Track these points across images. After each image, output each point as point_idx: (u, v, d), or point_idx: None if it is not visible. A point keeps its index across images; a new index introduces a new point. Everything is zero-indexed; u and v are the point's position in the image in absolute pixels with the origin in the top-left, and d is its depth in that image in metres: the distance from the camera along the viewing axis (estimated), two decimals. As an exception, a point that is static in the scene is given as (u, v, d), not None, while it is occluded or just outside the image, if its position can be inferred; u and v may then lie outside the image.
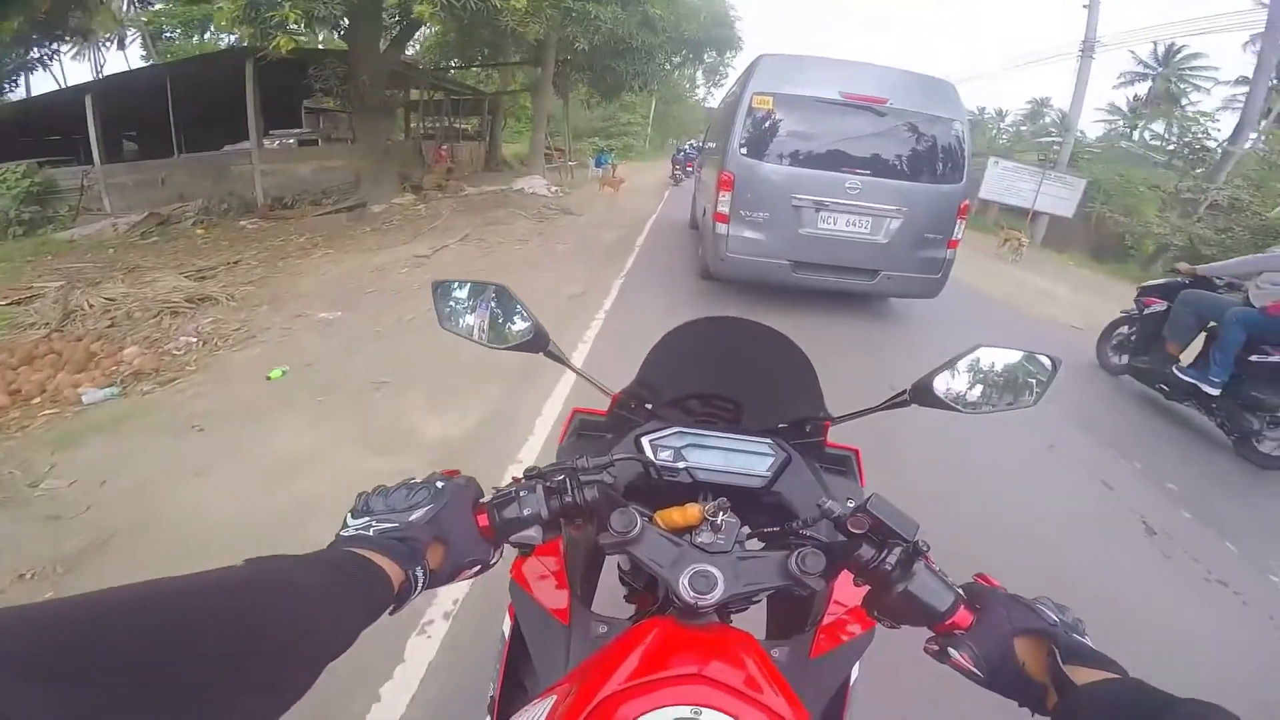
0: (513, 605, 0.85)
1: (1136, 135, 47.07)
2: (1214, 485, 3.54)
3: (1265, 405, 3.78)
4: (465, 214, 11.06)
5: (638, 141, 35.85)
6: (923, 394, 0.84)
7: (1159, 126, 45.10)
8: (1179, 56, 43.67)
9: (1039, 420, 3.71)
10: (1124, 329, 5.22)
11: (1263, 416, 3.82)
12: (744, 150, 5.17)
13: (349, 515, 0.59)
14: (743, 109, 5.15)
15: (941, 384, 0.84)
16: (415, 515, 0.59)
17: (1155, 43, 44.58)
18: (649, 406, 0.92)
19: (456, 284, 0.95)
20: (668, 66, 16.37)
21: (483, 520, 0.64)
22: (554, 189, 14.34)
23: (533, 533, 0.65)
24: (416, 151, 17.07)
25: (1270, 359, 3.80)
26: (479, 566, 0.64)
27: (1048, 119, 55.91)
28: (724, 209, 5.21)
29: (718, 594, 0.60)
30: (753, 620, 0.82)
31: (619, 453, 0.78)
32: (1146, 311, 4.76)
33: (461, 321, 0.94)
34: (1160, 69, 44.95)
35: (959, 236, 5.39)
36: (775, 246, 5.25)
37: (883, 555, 0.61)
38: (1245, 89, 35.70)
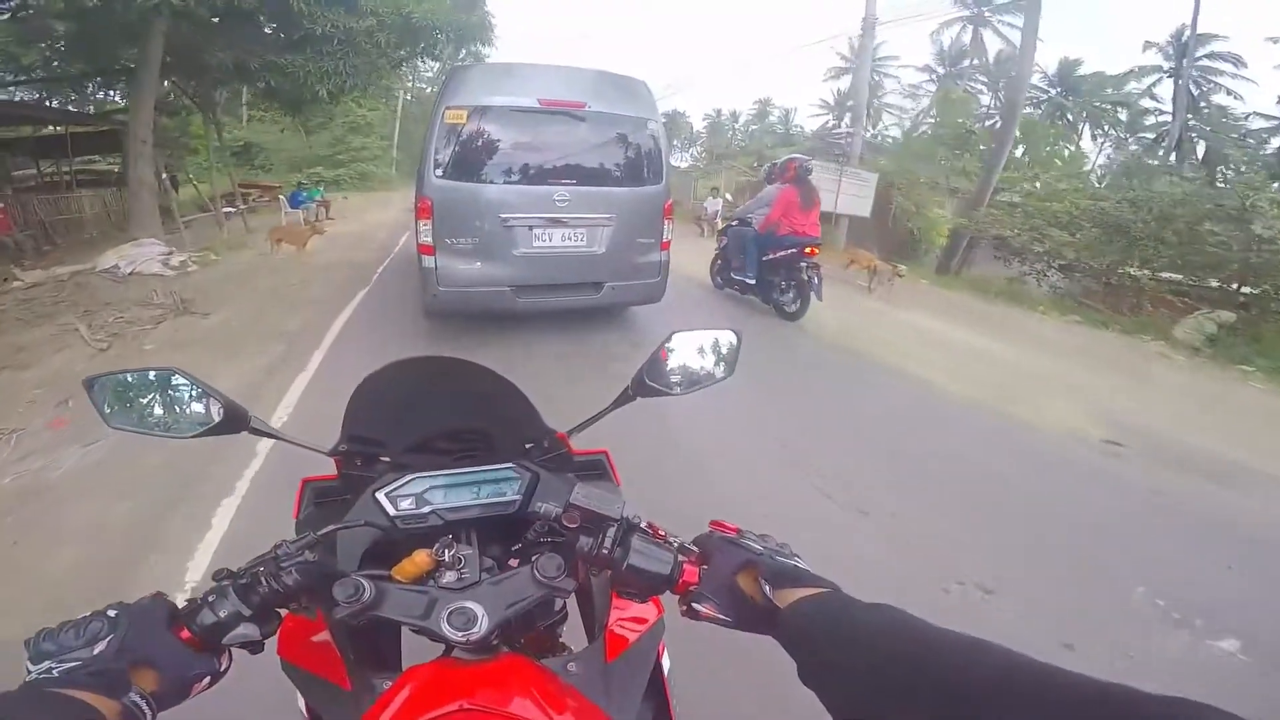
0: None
1: (842, 128, 52.80)
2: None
3: (776, 282, 6.41)
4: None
5: (378, 168, 29.20)
6: (641, 386, 0.89)
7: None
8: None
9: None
10: (719, 261, 7.46)
11: (779, 286, 6.40)
12: (440, 172, 4.49)
13: (28, 663, 0.52)
14: (435, 127, 4.52)
15: (653, 374, 0.89)
16: (99, 648, 0.52)
17: (850, 38, 49.68)
18: (385, 459, 0.86)
19: (117, 376, 0.80)
20: (382, 62, 11.21)
21: (184, 634, 0.57)
22: (179, 260, 8.27)
23: (245, 630, 0.59)
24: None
25: (770, 257, 6.36)
26: (208, 678, 0.58)
27: (773, 117, 60.62)
28: (426, 239, 4.54)
29: (483, 625, 0.59)
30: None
31: (356, 513, 0.75)
32: (721, 245, 7.36)
33: (139, 417, 0.80)
34: (854, 62, 50.06)
35: (669, 237, 5.21)
36: (492, 273, 4.68)
37: (600, 540, 0.62)
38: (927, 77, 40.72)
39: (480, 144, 4.59)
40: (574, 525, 0.63)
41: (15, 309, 6.67)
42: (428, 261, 4.59)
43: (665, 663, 0.82)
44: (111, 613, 0.56)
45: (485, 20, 12.98)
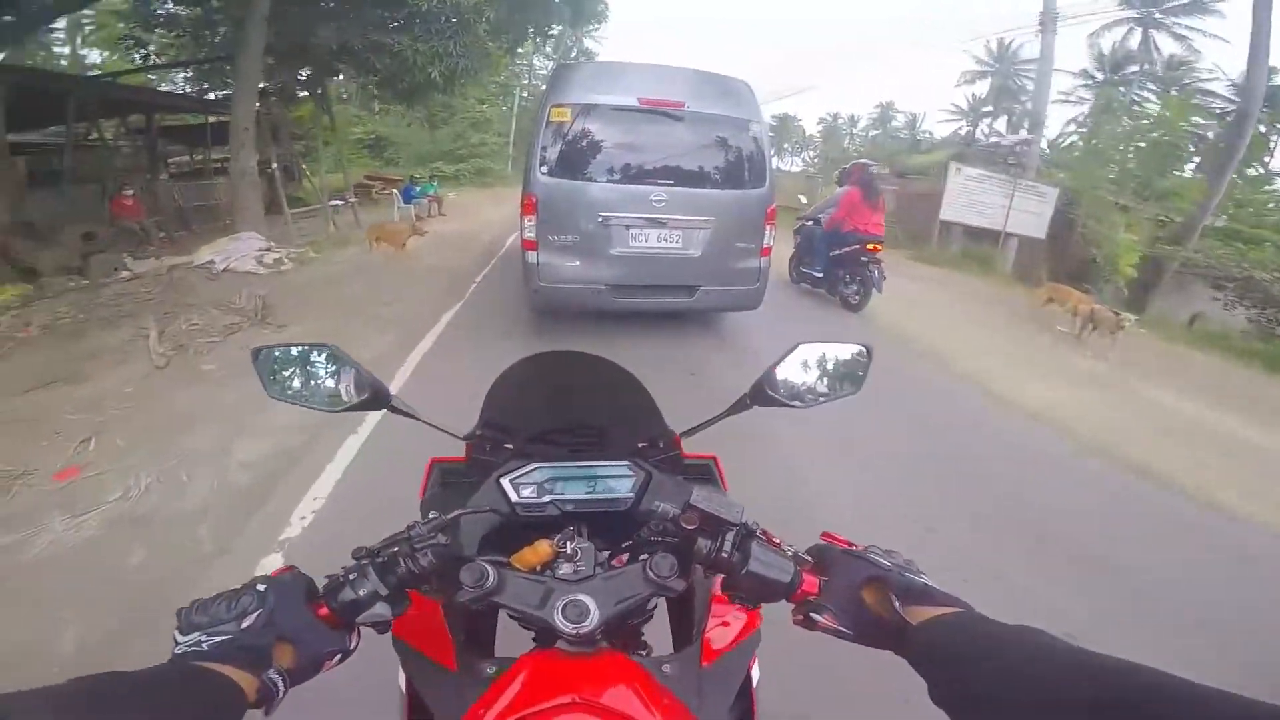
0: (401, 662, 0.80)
1: (980, 133, 48.06)
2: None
3: (841, 275, 6.84)
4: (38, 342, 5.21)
5: (496, 164, 29.17)
6: (760, 396, 0.85)
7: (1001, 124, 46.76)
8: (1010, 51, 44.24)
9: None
10: (795, 257, 7.84)
11: (844, 279, 6.82)
12: (545, 169, 4.47)
13: (176, 633, 0.54)
14: (542, 124, 4.52)
15: (774, 384, 0.85)
16: (247, 622, 0.54)
17: (987, 40, 44.98)
18: (509, 446, 0.88)
19: (280, 349, 0.85)
20: (493, 44, 10.36)
21: (323, 611, 0.59)
22: (274, 257, 7.67)
23: (379, 609, 0.59)
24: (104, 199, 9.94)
25: (836, 253, 6.78)
26: (339, 655, 0.60)
27: (896, 121, 56.30)
28: (530, 235, 4.55)
29: (594, 619, 0.59)
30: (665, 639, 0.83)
31: (480, 497, 0.78)
32: (796, 242, 7.77)
33: (293, 388, 0.84)
34: (996, 65, 45.42)
35: (770, 243, 4.92)
36: (589, 270, 4.61)
37: (718, 544, 0.61)
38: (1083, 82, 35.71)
39: (583, 142, 4.54)
40: (692, 527, 0.62)
41: (106, 306, 6.15)
42: (530, 257, 4.57)
43: (755, 673, 0.79)
44: (260, 587, 0.56)
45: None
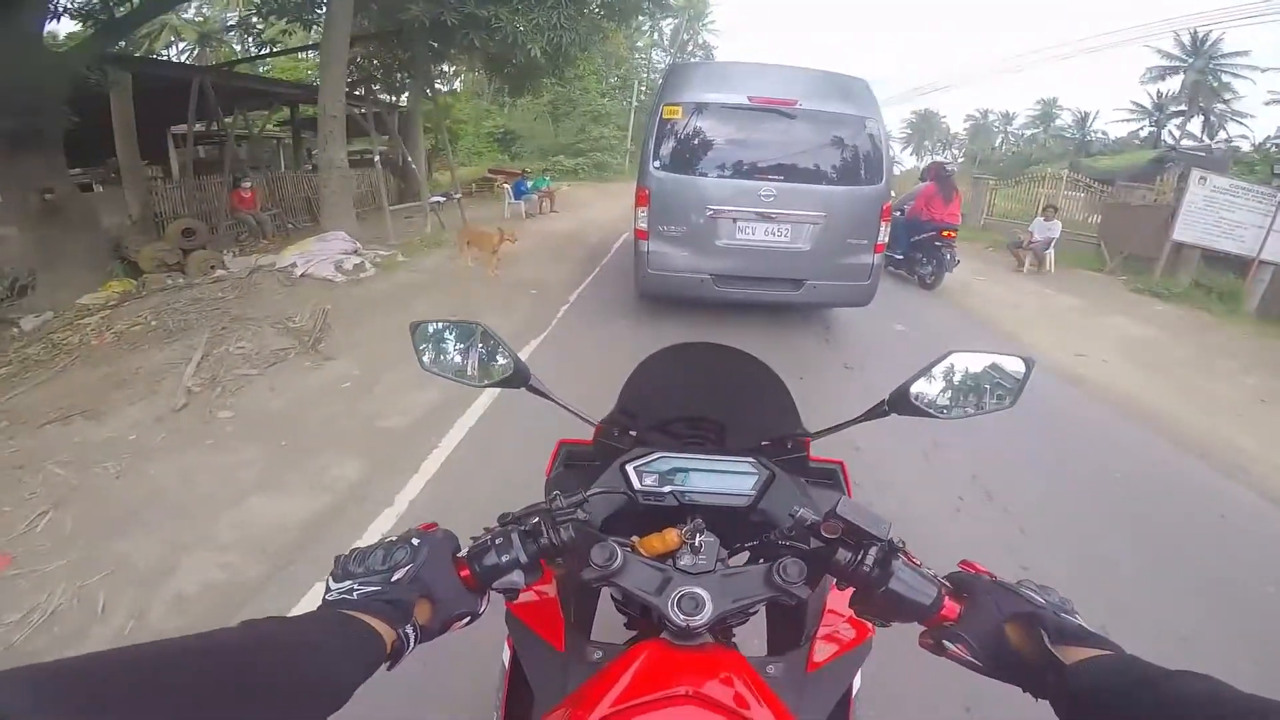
0: (510, 636, 0.82)
1: (1165, 134, 40.82)
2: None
3: (919, 258, 7.64)
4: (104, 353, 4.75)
5: (615, 158, 28.31)
6: (900, 403, 0.80)
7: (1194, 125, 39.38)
8: (1208, 45, 36.94)
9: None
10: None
11: (920, 261, 7.61)
12: (658, 164, 4.66)
13: (330, 579, 0.56)
14: (655, 121, 4.71)
15: (918, 391, 0.80)
16: (397, 575, 0.55)
17: (1175, 32, 37.89)
18: (633, 433, 0.88)
19: (435, 325, 0.89)
20: (601, 15, 9.24)
21: (464, 572, 0.60)
22: (357, 261, 6.81)
23: (515, 577, 0.61)
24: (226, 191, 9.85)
25: (916, 238, 7.58)
26: (469, 618, 0.61)
27: (1060, 120, 49.19)
28: (643, 225, 4.73)
29: (707, 614, 0.58)
30: (759, 637, 0.83)
31: (604, 481, 0.78)
32: None
33: (443, 361, 0.88)
34: (1191, 60, 38.14)
35: (884, 240, 4.85)
36: (695, 260, 4.76)
37: (859, 557, 0.59)
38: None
39: (694, 138, 4.64)
40: (833, 536, 0.60)
41: (178, 311, 5.53)
42: (642, 246, 4.75)
43: (856, 683, 0.79)
44: (415, 541, 0.58)
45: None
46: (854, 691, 0.78)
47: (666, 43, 39.97)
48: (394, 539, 0.58)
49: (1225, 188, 8.34)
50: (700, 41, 40.66)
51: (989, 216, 13.48)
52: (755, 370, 0.87)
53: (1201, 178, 8.30)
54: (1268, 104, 35.47)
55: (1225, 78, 35.66)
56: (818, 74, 4.81)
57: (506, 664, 0.80)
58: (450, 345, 0.88)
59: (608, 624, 0.75)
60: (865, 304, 5.11)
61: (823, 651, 0.74)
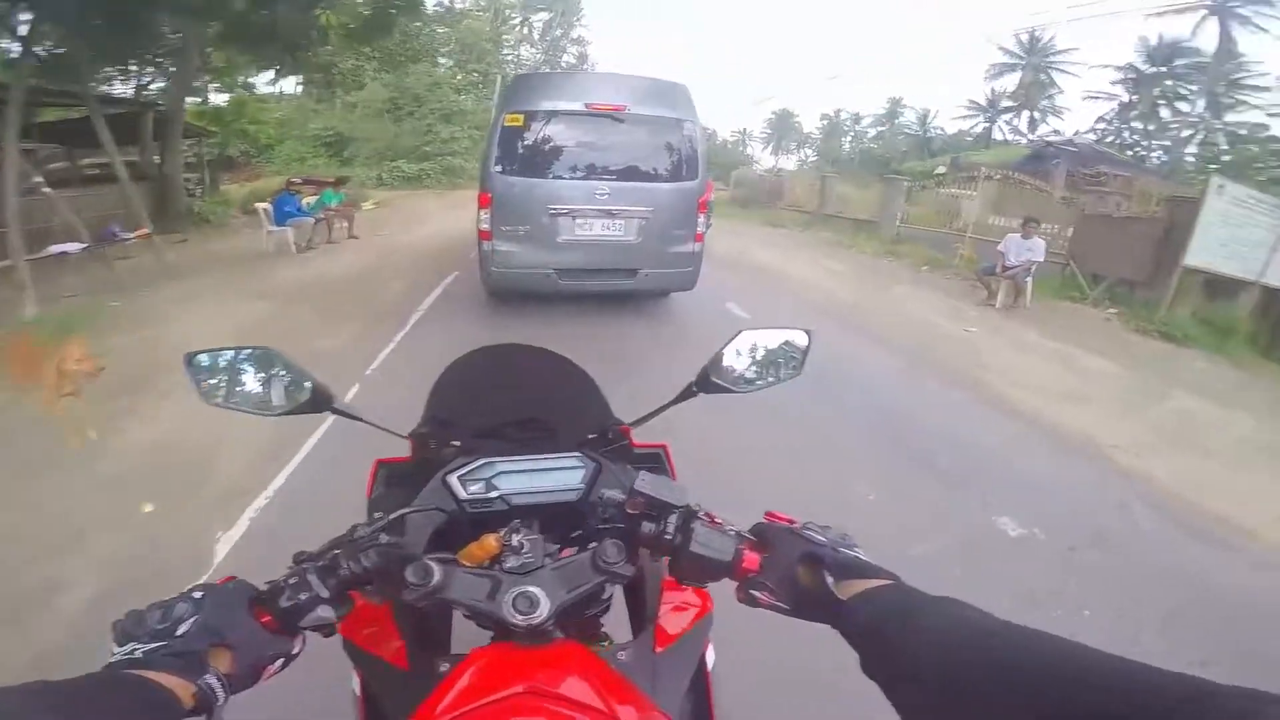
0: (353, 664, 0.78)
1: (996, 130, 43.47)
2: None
3: None
4: None
5: (467, 162, 24.19)
6: (705, 383, 0.83)
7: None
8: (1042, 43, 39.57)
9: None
10: None
11: None
12: (500, 168, 4.82)
13: (112, 644, 0.51)
14: (496, 129, 4.85)
15: (718, 371, 0.83)
16: (182, 629, 0.51)
17: (1017, 33, 40.30)
18: (456, 443, 0.83)
19: (212, 353, 0.78)
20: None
21: (264, 617, 0.56)
22: None
23: (322, 613, 0.57)
24: None
25: None
26: (282, 660, 0.57)
27: (904, 118, 51.25)
28: (486, 226, 4.88)
29: (544, 609, 0.57)
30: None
31: (425, 497, 0.74)
32: None
33: (230, 393, 0.78)
34: (1028, 58, 40.70)
35: (704, 230, 5.29)
36: (538, 257, 4.97)
37: (662, 527, 0.61)
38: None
39: (534, 144, 4.85)
40: (636, 512, 0.61)
41: None
42: (485, 246, 4.92)
43: (710, 656, 0.80)
44: (197, 594, 0.54)
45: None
46: (709, 664, 0.79)
47: (537, 38, 36.76)
48: (173, 597, 0.54)
49: (1242, 198, 6.39)
50: (575, 37, 37.80)
51: (904, 224, 11.37)
52: (563, 367, 0.85)
53: (1220, 186, 6.25)
54: (1085, 99, 38.39)
55: (1055, 74, 38.04)
56: (644, 80, 5.13)
57: (357, 690, 0.77)
58: (236, 374, 0.78)
59: (481, 641, 0.64)
60: (690, 288, 5.46)
61: (668, 629, 0.74)
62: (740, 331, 0.85)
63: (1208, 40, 28.21)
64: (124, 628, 0.51)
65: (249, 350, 0.79)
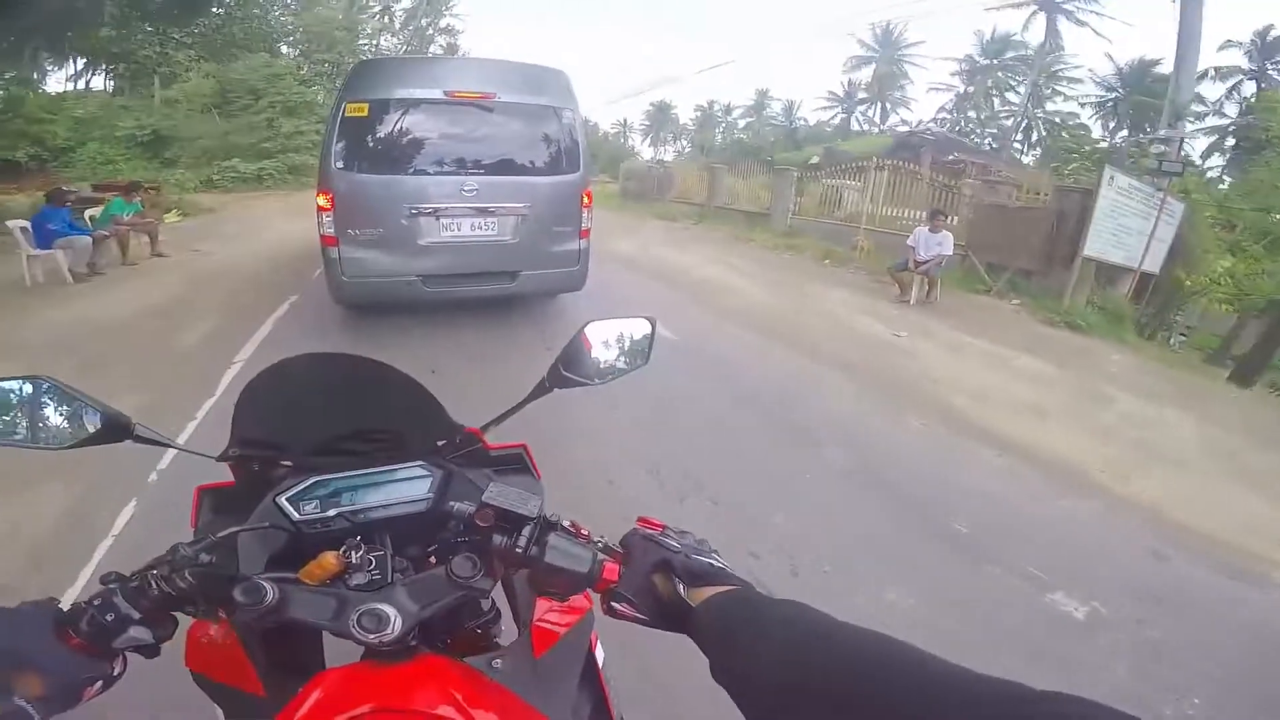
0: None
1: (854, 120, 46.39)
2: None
3: None
4: None
5: (316, 158, 21.41)
6: (558, 378, 0.82)
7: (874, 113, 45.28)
8: (894, 37, 42.51)
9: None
10: None
11: None
12: (341, 164, 4.18)
13: None
14: (336, 120, 4.20)
15: (569, 364, 0.82)
16: None
17: (873, 25, 43.02)
18: (286, 463, 0.76)
19: None
20: None
21: (73, 639, 0.53)
22: None
23: (136, 633, 0.55)
24: None
25: None
26: (100, 682, 0.54)
27: (770, 109, 53.36)
28: (329, 230, 4.20)
29: (396, 626, 0.54)
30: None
31: (256, 520, 0.68)
32: None
33: (5, 428, 0.70)
34: (880, 50, 43.56)
35: (588, 225, 4.79)
36: (398, 262, 4.33)
37: (514, 540, 0.57)
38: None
39: (383, 136, 4.30)
40: (487, 524, 0.58)
41: None
42: (331, 252, 4.28)
43: (599, 654, 0.79)
44: None
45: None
46: (600, 662, 0.78)
47: (398, 27, 33.62)
48: None
49: (1127, 189, 6.51)
50: (444, 26, 34.98)
51: (795, 216, 11.16)
52: (389, 375, 0.77)
53: (1111, 177, 6.28)
54: (928, 91, 41.84)
55: (906, 67, 40.91)
56: (516, 66, 4.70)
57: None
58: (12, 407, 0.70)
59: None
60: (578, 289, 5.02)
61: (546, 634, 0.73)
62: (586, 324, 0.84)
63: (1037, 33, 31.19)
64: None
65: (23, 379, 0.71)
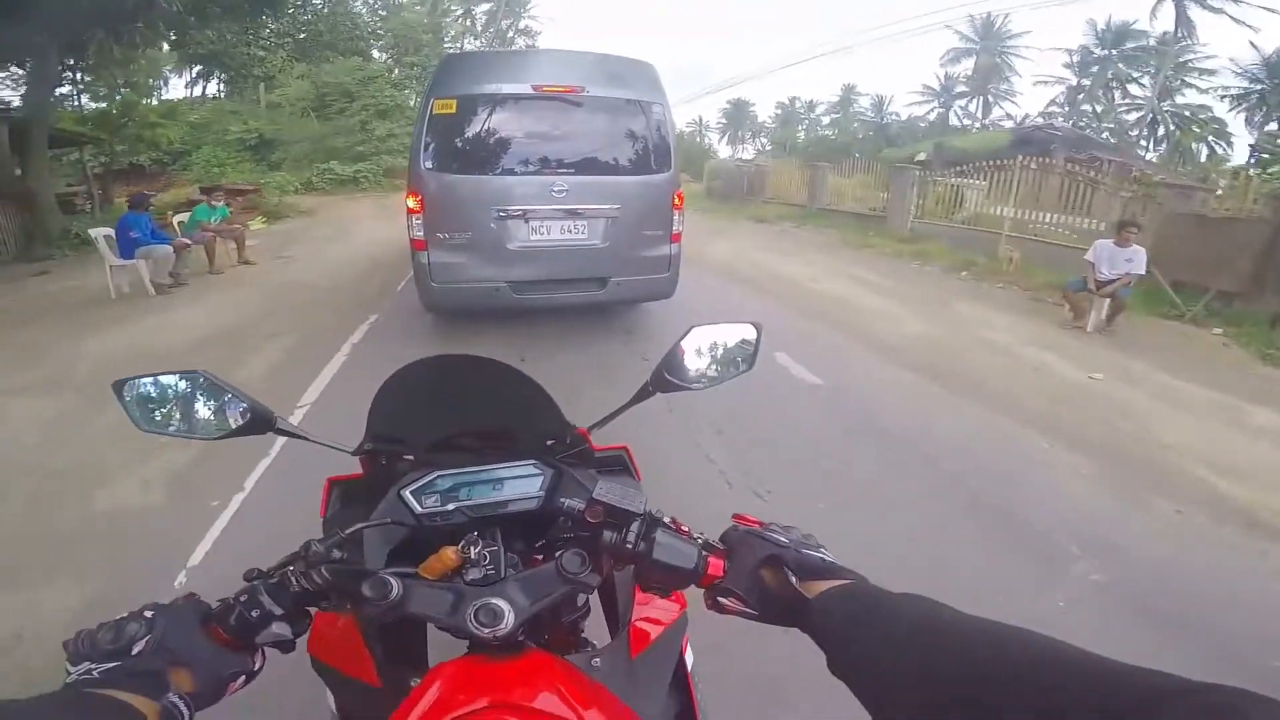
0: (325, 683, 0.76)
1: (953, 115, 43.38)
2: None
3: None
4: None
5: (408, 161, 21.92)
6: (661, 381, 0.83)
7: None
8: (997, 27, 39.48)
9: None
10: None
11: None
12: (430, 164, 4.00)
13: (67, 664, 0.50)
14: (424, 118, 4.02)
15: (672, 369, 0.84)
16: (137, 648, 0.50)
17: (972, 16, 40.10)
18: (409, 457, 0.80)
19: (146, 380, 0.76)
20: None
21: (220, 635, 0.55)
22: None
23: (277, 629, 0.56)
24: None
25: None
26: (243, 677, 0.56)
27: (858, 105, 50.70)
28: (419, 234, 4.04)
29: (509, 621, 0.55)
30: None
31: (382, 512, 0.71)
32: None
33: (164, 420, 0.77)
34: (983, 42, 40.51)
35: (679, 229, 4.49)
36: (487, 268, 4.12)
37: (623, 535, 0.59)
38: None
39: (471, 134, 4.10)
40: (597, 520, 0.59)
41: None
42: (421, 257, 4.12)
43: (689, 657, 0.79)
44: (148, 614, 0.53)
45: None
46: (689, 666, 0.78)
47: (479, 29, 34.52)
48: (123, 615, 0.52)
49: None
50: (522, 28, 35.65)
51: (919, 219, 10.03)
52: (511, 376, 0.80)
53: None
54: (1035, 84, 38.57)
55: (1011, 58, 37.94)
56: (602, 58, 4.36)
57: (334, 708, 0.76)
58: (169, 399, 0.77)
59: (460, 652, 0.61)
60: (668, 296, 4.67)
61: (642, 635, 0.73)
62: (690, 328, 0.85)
63: (1166, 22, 28.04)
64: (75, 647, 0.50)
65: (179, 374, 0.77)
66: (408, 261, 4.49)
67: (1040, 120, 26.37)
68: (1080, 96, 35.25)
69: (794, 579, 0.53)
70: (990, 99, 39.87)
